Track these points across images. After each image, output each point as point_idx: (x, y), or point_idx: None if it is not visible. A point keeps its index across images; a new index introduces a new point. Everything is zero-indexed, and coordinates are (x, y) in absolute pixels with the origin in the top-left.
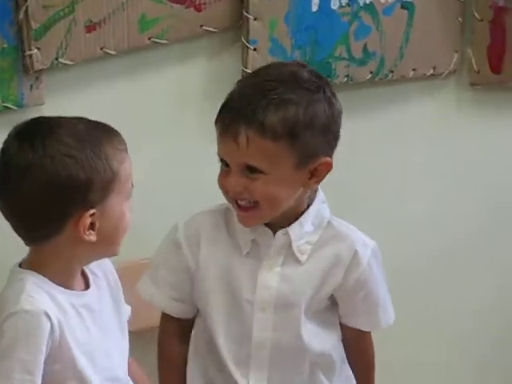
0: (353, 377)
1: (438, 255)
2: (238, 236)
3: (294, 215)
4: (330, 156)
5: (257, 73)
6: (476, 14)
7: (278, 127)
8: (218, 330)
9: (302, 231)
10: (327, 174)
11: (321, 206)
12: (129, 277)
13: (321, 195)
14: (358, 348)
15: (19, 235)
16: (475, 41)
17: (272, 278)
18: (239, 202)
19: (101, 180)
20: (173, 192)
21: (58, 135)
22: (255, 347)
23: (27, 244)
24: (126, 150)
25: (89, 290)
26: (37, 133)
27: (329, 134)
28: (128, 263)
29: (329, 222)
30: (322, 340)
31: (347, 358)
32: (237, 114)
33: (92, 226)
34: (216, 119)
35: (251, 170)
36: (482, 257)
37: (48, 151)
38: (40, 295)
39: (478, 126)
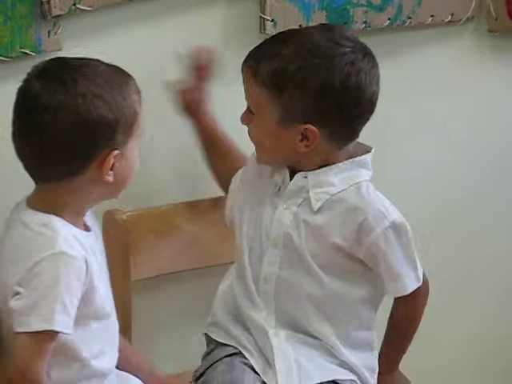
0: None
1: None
2: (274, 175)
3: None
4: (323, 125)
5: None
6: None
7: (266, 75)
8: (244, 260)
9: (322, 179)
10: (320, 144)
11: (358, 170)
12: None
13: (365, 160)
14: (399, 310)
15: (34, 173)
16: None
17: (286, 216)
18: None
19: (125, 121)
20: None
21: (87, 75)
22: (262, 281)
23: (42, 182)
24: (141, 95)
25: (91, 233)
26: (65, 72)
27: (327, 102)
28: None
29: (358, 184)
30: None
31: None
32: (249, 58)
33: (112, 167)
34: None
35: (249, 110)
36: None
37: (80, 90)
38: (73, 239)
39: (496, 73)
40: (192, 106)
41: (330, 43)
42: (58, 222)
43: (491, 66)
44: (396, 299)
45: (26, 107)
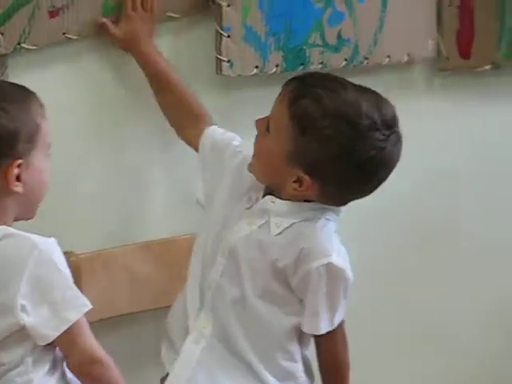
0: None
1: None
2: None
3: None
4: (321, 184)
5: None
6: (446, 1)
7: (299, 112)
8: (198, 261)
9: (286, 210)
10: (309, 196)
11: (325, 211)
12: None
13: (332, 222)
14: (318, 351)
15: None
16: (444, 26)
17: (243, 231)
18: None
19: (27, 131)
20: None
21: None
22: (206, 286)
23: None
24: (44, 109)
25: None
26: None
27: (336, 170)
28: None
29: (319, 218)
30: (263, 313)
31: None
32: (294, 85)
33: (19, 178)
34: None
35: (268, 126)
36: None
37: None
38: None
39: (447, 109)
40: (134, 38)
41: (371, 123)
42: (10, 228)
43: (442, 102)
44: (315, 341)
45: None
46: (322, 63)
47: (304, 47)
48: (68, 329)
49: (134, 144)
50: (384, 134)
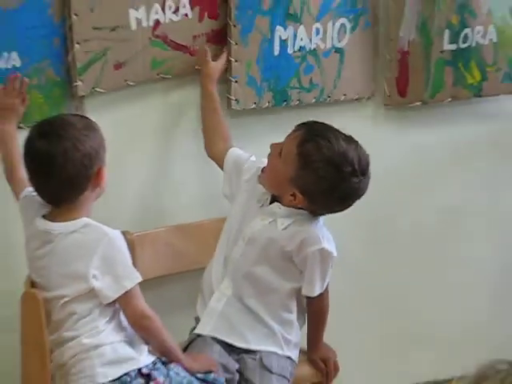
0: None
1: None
2: (258, 190)
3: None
4: (311, 203)
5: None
6: (387, 56)
7: (305, 151)
8: (224, 242)
9: (289, 213)
10: (299, 205)
11: (314, 223)
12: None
13: (320, 218)
14: (309, 305)
15: (57, 201)
16: (387, 74)
17: (259, 225)
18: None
19: (104, 146)
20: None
21: (73, 125)
22: (229, 261)
23: (63, 204)
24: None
25: None
26: (56, 128)
27: (324, 199)
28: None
29: (309, 219)
30: (268, 282)
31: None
32: (305, 128)
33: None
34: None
35: (281, 151)
36: None
37: (70, 136)
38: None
39: (390, 138)
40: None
41: (352, 170)
42: (89, 220)
43: (386, 128)
44: (307, 300)
45: (42, 157)
46: (298, 100)
47: (287, 89)
48: (124, 293)
49: (177, 156)
50: (359, 179)
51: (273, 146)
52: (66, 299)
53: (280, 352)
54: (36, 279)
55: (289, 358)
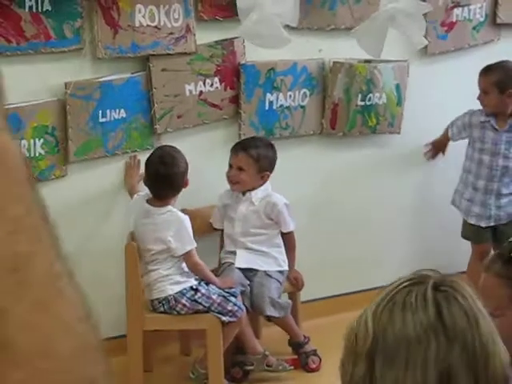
0: (281, 250)
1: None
2: (233, 195)
3: (253, 189)
4: (270, 172)
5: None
6: (326, 106)
7: (255, 154)
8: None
9: (256, 194)
10: (267, 179)
11: (266, 187)
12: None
13: (267, 184)
14: (285, 241)
15: (161, 197)
16: (325, 116)
17: (243, 208)
18: (233, 181)
19: (187, 166)
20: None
21: (175, 156)
22: (235, 233)
23: (163, 196)
24: None
25: None
26: (172, 154)
27: (272, 165)
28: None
29: (269, 192)
30: (262, 235)
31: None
32: (240, 146)
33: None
34: (232, 149)
35: (240, 168)
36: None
37: (174, 163)
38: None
39: (324, 156)
40: None
41: (270, 142)
42: (172, 208)
43: (322, 151)
44: (284, 236)
45: (161, 172)
46: (280, 134)
47: (273, 128)
48: (187, 252)
49: (212, 163)
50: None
51: (231, 177)
52: (153, 252)
53: (278, 268)
54: (137, 238)
55: (281, 271)
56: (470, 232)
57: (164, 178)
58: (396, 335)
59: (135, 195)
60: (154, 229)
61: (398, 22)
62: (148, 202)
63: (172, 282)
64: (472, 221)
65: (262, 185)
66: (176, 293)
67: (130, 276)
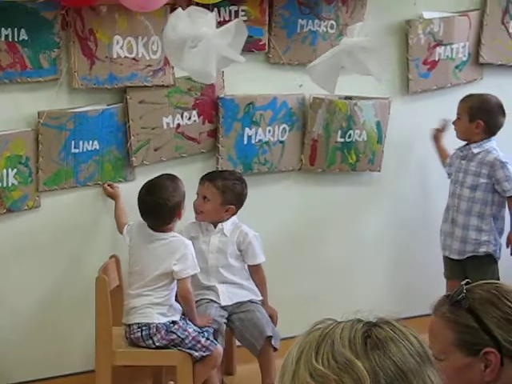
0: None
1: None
2: (202, 227)
3: (220, 222)
4: (236, 206)
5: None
6: (305, 141)
7: (221, 185)
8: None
9: (226, 225)
10: (233, 214)
11: (234, 219)
12: None
13: (235, 217)
14: (254, 274)
15: (157, 227)
16: (304, 152)
17: (216, 240)
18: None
19: (184, 196)
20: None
21: (165, 185)
22: (210, 266)
23: (161, 226)
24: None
25: None
26: (164, 185)
27: (238, 199)
28: None
29: (237, 223)
30: (235, 266)
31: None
32: (207, 177)
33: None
34: (201, 179)
35: (205, 198)
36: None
37: (174, 187)
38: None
39: (303, 192)
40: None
41: (241, 176)
42: (176, 233)
43: (301, 188)
44: (253, 269)
45: (153, 203)
46: (258, 169)
47: (251, 163)
48: (187, 276)
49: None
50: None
51: (197, 200)
52: (151, 276)
53: (258, 298)
54: (135, 262)
55: (259, 302)
56: (445, 267)
57: (149, 208)
58: (398, 367)
59: (126, 226)
60: (158, 253)
61: (355, 57)
62: (150, 227)
63: (160, 312)
64: (445, 253)
65: (228, 218)
66: (160, 323)
67: (100, 310)
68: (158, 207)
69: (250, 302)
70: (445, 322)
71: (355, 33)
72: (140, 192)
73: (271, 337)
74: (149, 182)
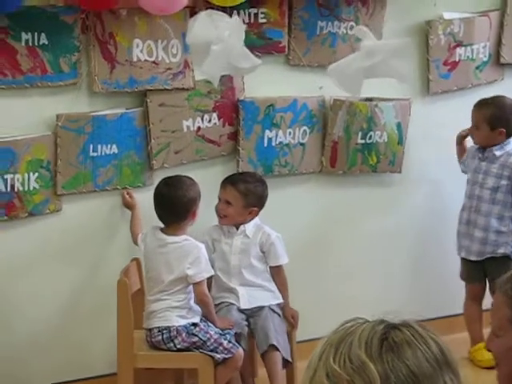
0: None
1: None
2: (224, 230)
3: (243, 224)
4: (258, 208)
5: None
6: (326, 143)
7: (244, 189)
8: (217, 267)
9: (248, 227)
10: (255, 216)
11: (256, 220)
12: None
13: (257, 218)
14: (276, 276)
15: (170, 223)
16: (325, 154)
17: (238, 242)
18: (221, 215)
19: (199, 195)
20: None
21: (182, 180)
22: (233, 267)
23: (174, 223)
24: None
25: None
26: (181, 179)
27: (260, 201)
28: None
29: (259, 224)
30: (258, 268)
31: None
32: (230, 180)
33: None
34: (222, 182)
35: (227, 202)
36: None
37: (188, 184)
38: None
39: (324, 194)
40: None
41: (262, 178)
42: (187, 236)
43: (322, 191)
44: (275, 270)
45: (163, 194)
46: (278, 172)
47: (271, 165)
48: (203, 279)
49: (211, 200)
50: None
51: (219, 205)
52: (167, 281)
53: (277, 301)
54: (151, 267)
55: (279, 304)
56: (463, 269)
57: (166, 200)
58: (410, 371)
59: (139, 234)
60: (171, 257)
61: (378, 59)
62: (162, 231)
63: (179, 314)
64: (462, 254)
65: (251, 219)
66: (180, 325)
67: (122, 313)
68: (175, 200)
69: (269, 308)
70: (506, 299)
71: (365, 35)
72: (157, 186)
73: (275, 346)
74: (167, 177)
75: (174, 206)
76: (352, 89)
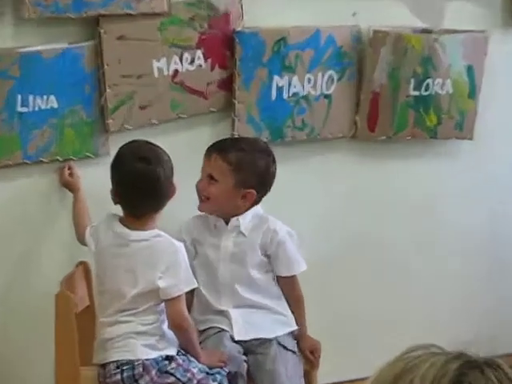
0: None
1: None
2: (209, 224)
3: (235, 215)
4: (258, 191)
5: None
6: (362, 95)
7: (233, 158)
8: (199, 280)
9: (244, 219)
10: (254, 202)
11: (256, 210)
12: None
13: (258, 207)
14: (287, 290)
15: (141, 213)
16: (360, 114)
17: (229, 242)
18: (202, 196)
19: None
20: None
21: (157, 150)
22: (223, 279)
23: (143, 215)
24: None
25: None
26: (157, 150)
27: (262, 180)
28: None
29: (262, 216)
30: (259, 280)
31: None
32: (216, 147)
33: None
34: (206, 151)
35: (211, 177)
36: None
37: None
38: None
39: (359, 162)
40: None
41: (266, 147)
42: (160, 232)
43: (357, 158)
44: (284, 282)
45: (142, 179)
46: (292, 137)
47: (282, 128)
48: (179, 295)
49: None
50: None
51: (200, 182)
52: (130, 296)
53: (289, 329)
54: (105, 276)
55: (292, 333)
56: None
57: (142, 181)
58: None
59: (87, 228)
60: (136, 262)
61: None
62: (122, 222)
63: (147, 343)
64: None
65: (246, 208)
66: (148, 359)
67: (62, 341)
68: (155, 181)
69: (278, 343)
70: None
71: None
72: (124, 160)
73: None
74: (131, 145)
75: (154, 189)
76: (432, 17)
